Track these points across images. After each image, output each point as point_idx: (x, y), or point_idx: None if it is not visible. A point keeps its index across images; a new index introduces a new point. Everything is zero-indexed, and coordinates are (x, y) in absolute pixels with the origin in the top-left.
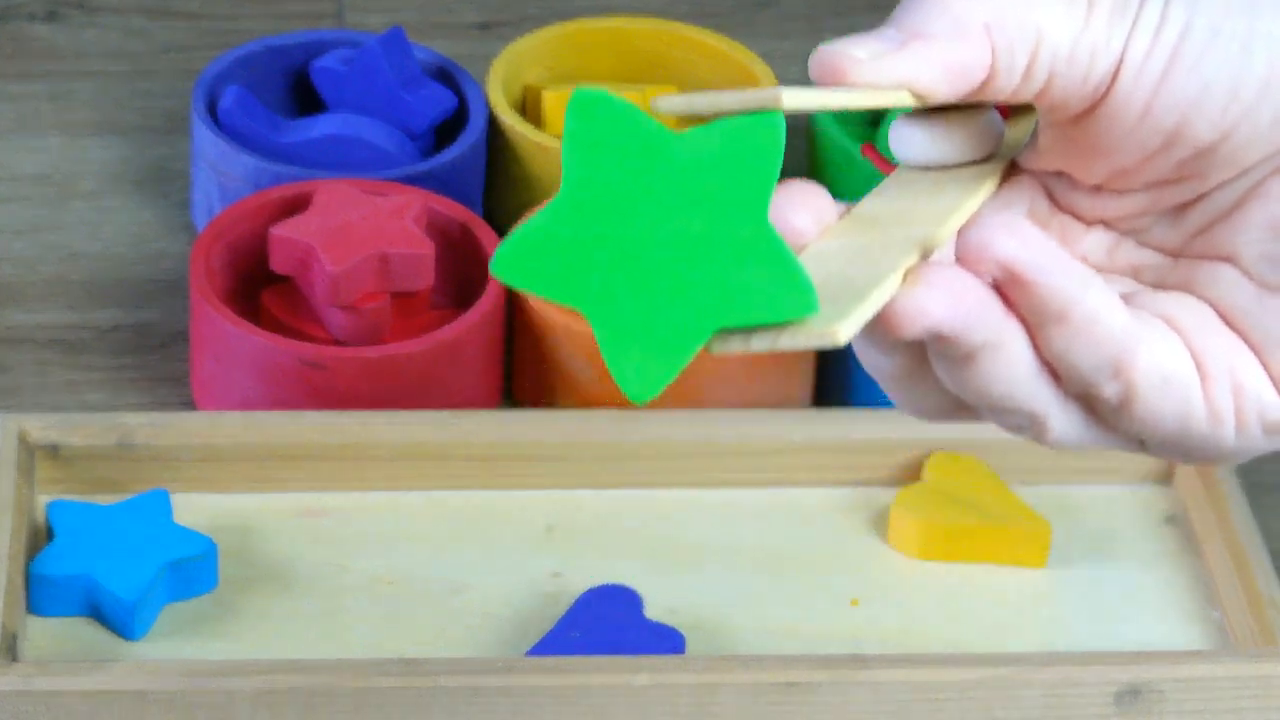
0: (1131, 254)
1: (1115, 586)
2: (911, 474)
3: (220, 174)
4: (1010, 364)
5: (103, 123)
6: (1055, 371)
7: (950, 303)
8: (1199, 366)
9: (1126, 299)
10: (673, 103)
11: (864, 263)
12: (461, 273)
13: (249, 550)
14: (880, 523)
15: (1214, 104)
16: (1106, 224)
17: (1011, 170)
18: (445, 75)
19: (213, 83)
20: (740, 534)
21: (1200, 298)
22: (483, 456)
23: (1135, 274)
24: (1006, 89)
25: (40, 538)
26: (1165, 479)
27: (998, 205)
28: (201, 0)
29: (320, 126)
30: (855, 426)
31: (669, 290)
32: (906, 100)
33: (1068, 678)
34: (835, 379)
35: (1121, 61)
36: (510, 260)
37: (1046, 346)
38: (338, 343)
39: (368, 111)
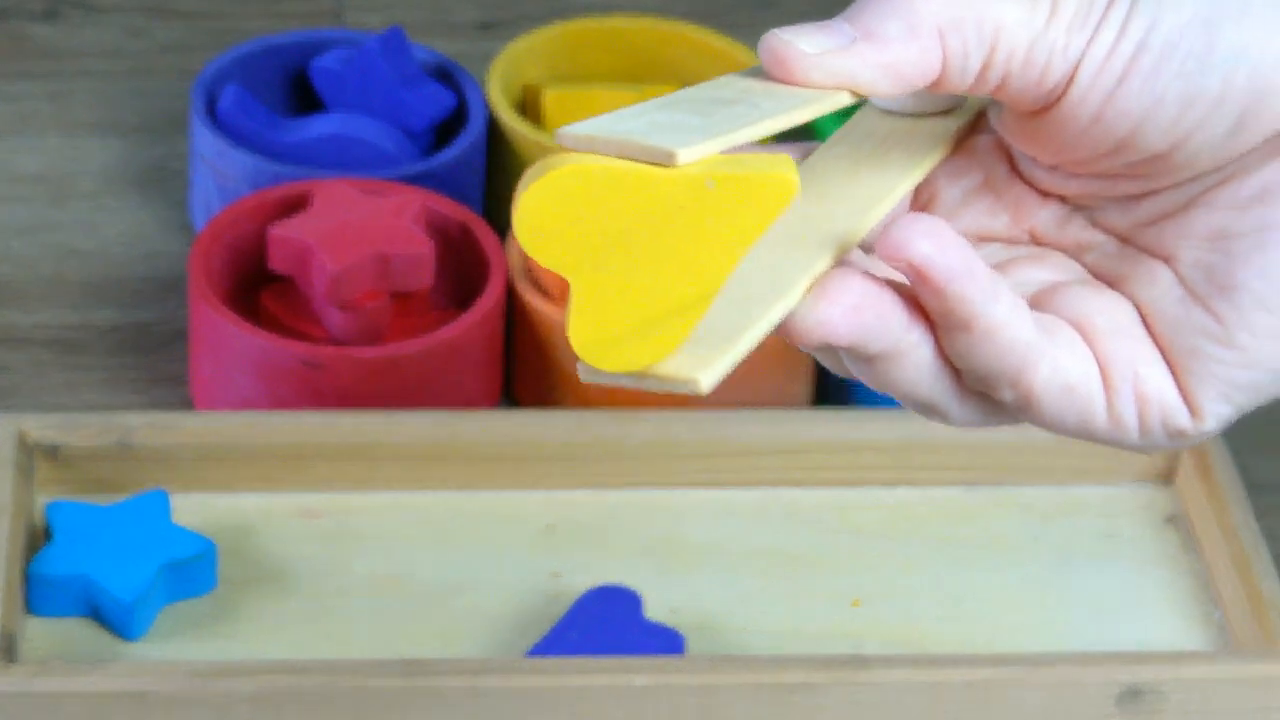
0: (1081, 232)
1: (1116, 587)
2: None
3: (219, 173)
4: (909, 369)
5: (101, 122)
6: (956, 369)
7: (848, 317)
8: (1104, 374)
9: (1052, 291)
10: (576, 136)
11: (768, 281)
12: (461, 272)
13: (248, 550)
14: (881, 523)
15: (1166, 116)
16: (1062, 198)
17: (980, 124)
18: (445, 74)
19: (212, 82)
20: (740, 534)
21: (1130, 297)
22: (483, 456)
23: (1080, 252)
24: (959, 88)
25: (39, 538)
26: (1166, 479)
27: (955, 169)
28: (200, 0)
29: (319, 126)
30: (855, 426)
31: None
32: (844, 101)
33: (1069, 678)
34: (835, 379)
35: (1077, 68)
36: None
37: (949, 347)
38: (337, 343)
39: (367, 111)
